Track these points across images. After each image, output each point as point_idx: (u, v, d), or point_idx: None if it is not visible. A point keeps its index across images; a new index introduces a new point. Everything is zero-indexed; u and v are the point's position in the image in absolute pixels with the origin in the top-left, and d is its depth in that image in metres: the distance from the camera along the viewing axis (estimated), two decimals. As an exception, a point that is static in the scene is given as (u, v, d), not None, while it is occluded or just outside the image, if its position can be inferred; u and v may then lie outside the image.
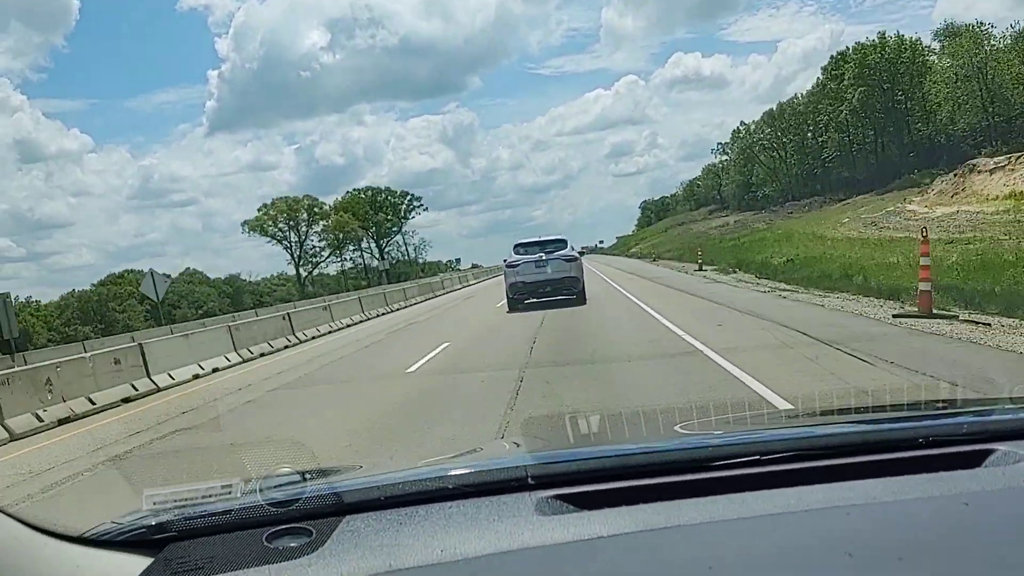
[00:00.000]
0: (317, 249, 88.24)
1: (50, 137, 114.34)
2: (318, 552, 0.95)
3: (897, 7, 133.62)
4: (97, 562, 0.91)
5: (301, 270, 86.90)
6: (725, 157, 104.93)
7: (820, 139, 74.85)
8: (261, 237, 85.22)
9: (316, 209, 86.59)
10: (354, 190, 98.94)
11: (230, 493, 1.14)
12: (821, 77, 71.59)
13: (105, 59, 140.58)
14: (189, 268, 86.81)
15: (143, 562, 0.95)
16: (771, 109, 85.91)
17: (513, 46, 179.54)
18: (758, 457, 1.12)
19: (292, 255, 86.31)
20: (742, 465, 1.10)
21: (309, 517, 1.04)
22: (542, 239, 19.42)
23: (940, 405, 1.97)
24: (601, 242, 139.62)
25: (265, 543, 0.99)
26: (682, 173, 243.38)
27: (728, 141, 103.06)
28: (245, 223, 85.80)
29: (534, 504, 1.04)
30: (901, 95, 61.99)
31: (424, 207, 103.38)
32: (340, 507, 1.07)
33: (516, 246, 19.37)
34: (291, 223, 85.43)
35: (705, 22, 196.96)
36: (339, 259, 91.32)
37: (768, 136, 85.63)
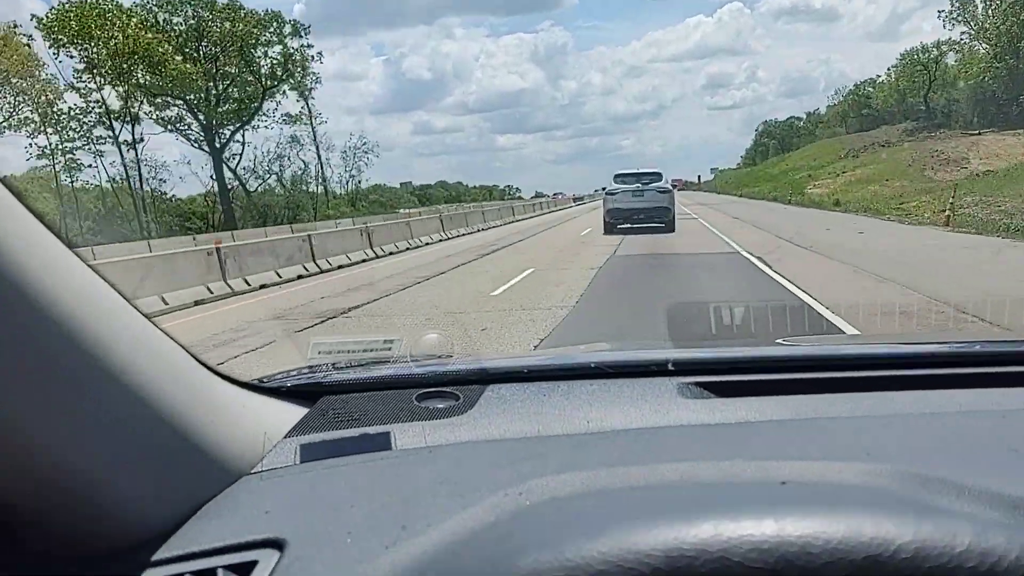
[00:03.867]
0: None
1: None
2: (468, 414, 0.99)
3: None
4: (261, 406, 0.97)
5: None
6: (964, 31, 56.47)
7: None
8: None
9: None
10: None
11: (390, 349, 1.21)
12: None
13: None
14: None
15: (303, 411, 1.01)
16: None
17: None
18: (908, 363, 1.12)
19: None
20: (892, 367, 1.10)
21: (455, 383, 1.08)
22: (640, 171, 21.13)
23: None
24: (717, 170, 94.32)
25: (415, 402, 1.03)
26: (780, 111, 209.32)
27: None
28: None
29: (675, 388, 1.04)
30: None
31: (317, 54, 52.12)
32: (485, 377, 1.10)
33: (616, 176, 21.10)
34: None
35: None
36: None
37: None
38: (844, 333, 5.47)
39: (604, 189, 21.50)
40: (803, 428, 0.91)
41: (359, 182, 62.61)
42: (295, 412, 1.01)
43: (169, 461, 0.75)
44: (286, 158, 53.12)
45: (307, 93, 52.73)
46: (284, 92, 51.71)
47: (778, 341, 1.49)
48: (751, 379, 1.06)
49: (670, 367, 1.09)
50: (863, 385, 1.04)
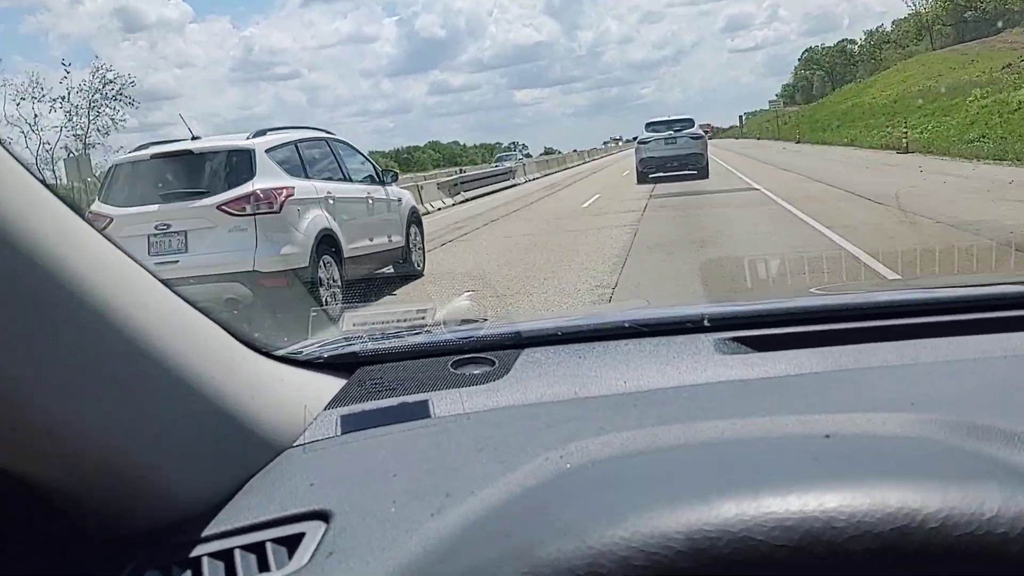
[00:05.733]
0: None
1: (149, 5, 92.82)
2: (504, 379, 1.00)
3: None
4: (298, 379, 0.97)
5: None
6: None
7: None
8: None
9: None
10: None
11: (424, 317, 1.23)
12: None
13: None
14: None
15: (340, 382, 1.03)
16: None
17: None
18: (949, 308, 1.10)
19: None
20: (932, 313, 1.08)
21: (490, 348, 1.09)
22: (671, 118, 21.64)
23: None
24: (777, 101, 76.46)
25: (451, 369, 1.04)
26: (803, 50, 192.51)
27: None
28: None
29: (712, 344, 1.03)
30: None
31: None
32: (519, 341, 1.10)
33: (647, 124, 21.78)
34: None
35: None
36: None
37: None
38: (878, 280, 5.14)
39: (636, 139, 22.34)
40: (845, 379, 0.90)
41: (88, 151, 32.25)
42: (333, 383, 1.02)
43: (212, 439, 0.76)
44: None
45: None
46: None
47: (811, 291, 1.50)
48: (788, 332, 1.05)
49: (706, 323, 1.08)
50: (905, 333, 1.01)
